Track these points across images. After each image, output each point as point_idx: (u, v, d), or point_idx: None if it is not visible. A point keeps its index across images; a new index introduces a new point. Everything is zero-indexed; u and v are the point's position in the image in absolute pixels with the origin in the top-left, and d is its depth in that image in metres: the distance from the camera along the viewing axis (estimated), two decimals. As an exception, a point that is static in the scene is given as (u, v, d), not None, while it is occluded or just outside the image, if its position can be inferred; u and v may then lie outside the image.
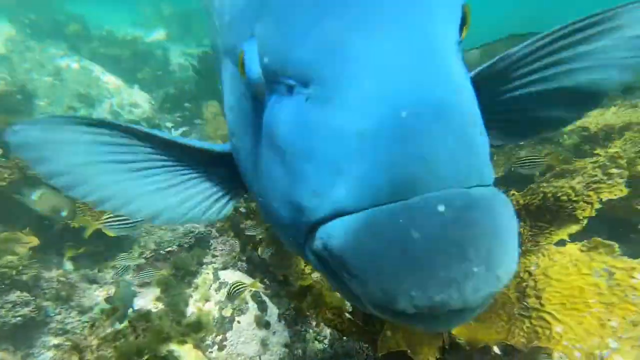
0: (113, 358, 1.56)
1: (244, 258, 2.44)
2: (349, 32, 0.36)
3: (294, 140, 0.39)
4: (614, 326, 0.93)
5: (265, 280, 2.41)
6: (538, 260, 1.21)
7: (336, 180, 0.35)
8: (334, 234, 0.35)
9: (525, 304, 1.09)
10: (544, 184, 1.76)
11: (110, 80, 5.87)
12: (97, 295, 2.56)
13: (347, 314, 1.55)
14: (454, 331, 1.13)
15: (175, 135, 5.58)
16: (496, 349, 1.14)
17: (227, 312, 2.14)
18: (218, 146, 0.75)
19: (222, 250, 2.79)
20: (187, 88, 5.98)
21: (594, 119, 2.85)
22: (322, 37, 0.37)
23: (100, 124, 0.67)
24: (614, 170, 1.55)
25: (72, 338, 2.00)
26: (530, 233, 1.46)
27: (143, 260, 2.74)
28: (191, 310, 2.24)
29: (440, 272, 0.29)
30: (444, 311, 0.30)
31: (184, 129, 5.91)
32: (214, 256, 2.76)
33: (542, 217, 1.44)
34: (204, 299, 2.28)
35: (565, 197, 1.46)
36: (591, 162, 1.72)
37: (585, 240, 1.28)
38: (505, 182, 2.68)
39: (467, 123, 0.35)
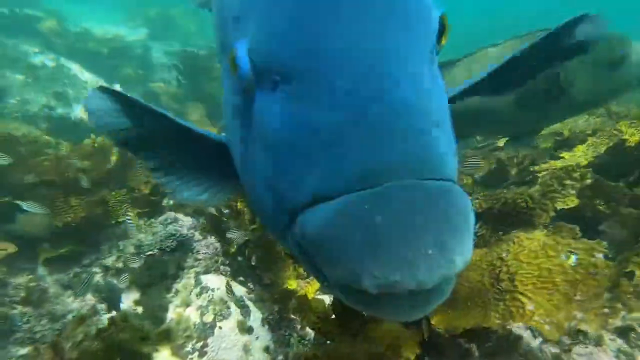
0: (99, 351, 1.49)
1: (227, 261, 2.37)
2: (325, 35, 0.40)
3: (276, 132, 0.43)
4: (578, 299, 1.08)
5: (249, 284, 2.36)
6: (509, 247, 1.27)
7: (311, 171, 0.38)
8: (308, 220, 0.38)
9: (499, 287, 1.16)
10: (505, 190, 1.86)
11: (89, 79, 5.66)
12: (71, 302, 2.44)
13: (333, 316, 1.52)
14: (433, 321, 1.16)
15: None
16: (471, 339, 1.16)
17: (209, 318, 2.07)
18: (214, 135, 0.78)
19: (205, 253, 2.71)
20: (170, 87, 5.84)
21: (567, 125, 2.94)
22: (301, 38, 0.41)
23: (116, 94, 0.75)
24: (568, 182, 1.67)
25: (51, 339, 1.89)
26: (491, 235, 1.53)
27: (121, 265, 2.63)
28: (171, 316, 2.17)
29: (399, 253, 0.32)
30: (402, 290, 0.32)
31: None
32: (196, 260, 2.68)
33: (503, 221, 1.50)
34: (184, 304, 2.20)
35: (523, 204, 1.56)
36: (547, 173, 1.85)
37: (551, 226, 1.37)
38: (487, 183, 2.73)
39: (426, 123, 0.38)
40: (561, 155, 2.37)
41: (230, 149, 0.66)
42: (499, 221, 1.54)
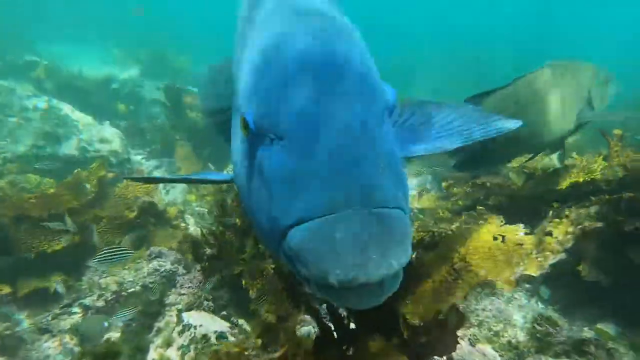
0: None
1: (210, 297, 2.30)
2: (304, 110, 0.59)
3: (272, 174, 0.59)
4: (516, 261, 1.47)
5: (232, 319, 2.27)
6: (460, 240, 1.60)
7: (296, 202, 0.53)
8: (292, 236, 0.52)
9: (454, 269, 1.43)
10: (433, 223, 2.09)
11: (80, 118, 5.72)
12: (49, 347, 2.32)
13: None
14: (408, 316, 1.34)
15: (146, 167, 5.36)
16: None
17: (190, 358, 1.98)
18: (224, 175, 1.09)
19: (189, 287, 2.64)
20: (158, 122, 5.91)
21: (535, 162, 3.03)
22: (288, 113, 0.60)
23: None
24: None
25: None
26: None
27: (102, 303, 2.54)
28: (152, 356, 2.06)
29: (352, 259, 0.46)
30: (358, 284, 0.46)
31: (154, 162, 5.78)
32: (180, 294, 2.60)
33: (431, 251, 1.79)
34: (166, 344, 2.10)
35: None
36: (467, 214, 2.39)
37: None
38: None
39: (376, 169, 0.54)
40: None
41: (236, 183, 0.85)
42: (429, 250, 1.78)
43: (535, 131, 2.03)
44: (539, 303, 2.20)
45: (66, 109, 5.81)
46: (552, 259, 2.11)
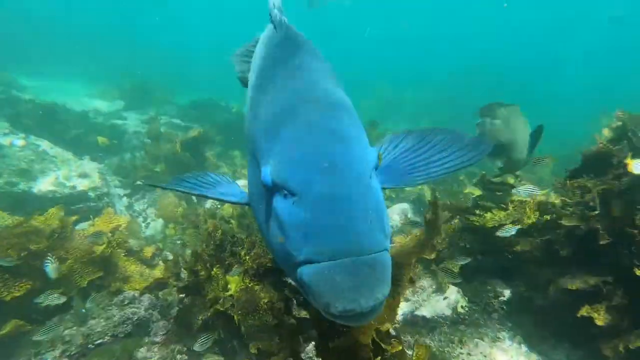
0: None
1: (185, 349, 2.12)
2: (311, 176, 0.73)
3: (286, 221, 0.73)
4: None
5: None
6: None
7: (306, 245, 0.68)
8: (303, 272, 0.66)
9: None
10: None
11: (58, 154, 5.52)
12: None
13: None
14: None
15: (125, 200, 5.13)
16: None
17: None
18: (240, 197, 1.17)
19: (163, 335, 2.44)
20: (138, 155, 5.78)
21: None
22: (298, 175, 0.75)
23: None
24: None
25: None
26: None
27: (67, 360, 2.30)
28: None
29: (349, 296, 0.61)
30: (354, 314, 0.61)
31: (136, 195, 5.58)
32: (153, 344, 2.40)
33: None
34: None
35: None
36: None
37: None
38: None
39: (366, 222, 0.68)
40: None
41: (253, 211, 1.01)
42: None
43: (516, 149, 2.47)
44: (522, 345, 2.13)
45: (44, 145, 5.61)
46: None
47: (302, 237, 0.68)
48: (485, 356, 1.99)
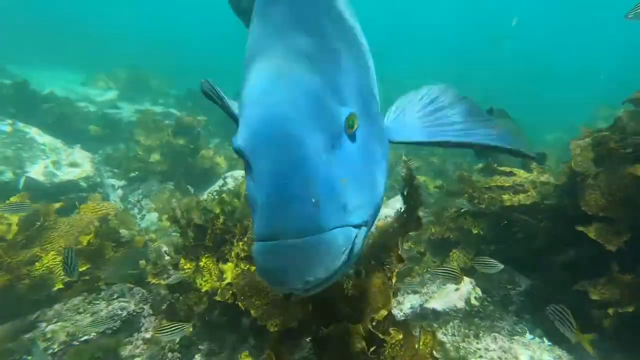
0: None
1: (176, 347, 1.90)
2: (257, 145, 0.66)
3: (247, 194, 0.73)
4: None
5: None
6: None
7: (254, 222, 0.66)
8: (253, 247, 0.66)
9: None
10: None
11: (47, 141, 5.23)
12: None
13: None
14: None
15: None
16: None
17: None
18: None
19: (153, 331, 2.22)
20: (132, 145, 5.52)
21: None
22: (247, 144, 0.68)
23: None
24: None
25: None
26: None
27: (49, 359, 2.07)
28: None
29: (279, 275, 0.61)
30: (286, 290, 0.63)
31: (131, 187, 5.32)
32: (143, 341, 2.18)
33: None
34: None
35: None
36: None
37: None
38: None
39: (307, 204, 0.60)
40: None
41: None
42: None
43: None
44: (544, 339, 1.94)
45: (33, 132, 5.30)
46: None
47: (253, 212, 0.66)
48: (504, 351, 1.79)
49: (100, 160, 5.61)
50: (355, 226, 0.65)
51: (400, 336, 1.13)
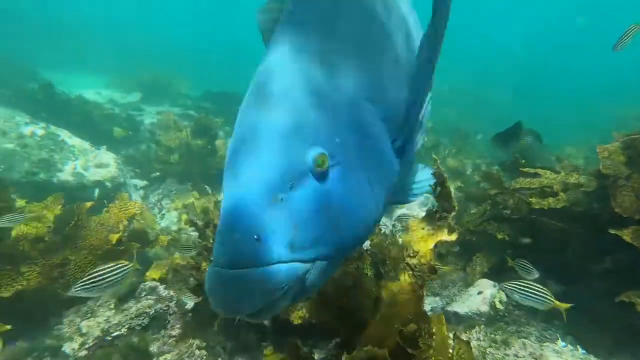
0: None
1: (204, 345, 1.95)
2: (226, 174, 0.72)
3: None
4: None
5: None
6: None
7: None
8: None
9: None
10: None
11: (77, 143, 5.45)
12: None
13: None
14: None
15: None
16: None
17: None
18: None
19: (180, 329, 2.29)
20: (153, 146, 5.68)
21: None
22: (225, 168, 0.73)
23: None
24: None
25: None
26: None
27: (85, 352, 2.18)
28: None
29: (219, 302, 0.63)
30: (230, 316, 0.65)
31: (150, 186, 5.48)
32: (170, 337, 2.25)
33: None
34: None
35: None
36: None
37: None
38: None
39: (250, 241, 0.62)
40: None
41: None
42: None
43: None
44: (578, 347, 1.87)
45: (63, 135, 5.54)
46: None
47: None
48: (535, 358, 1.74)
49: (123, 161, 5.80)
50: (308, 261, 0.65)
51: (431, 351, 1.08)
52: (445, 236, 1.13)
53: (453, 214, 1.13)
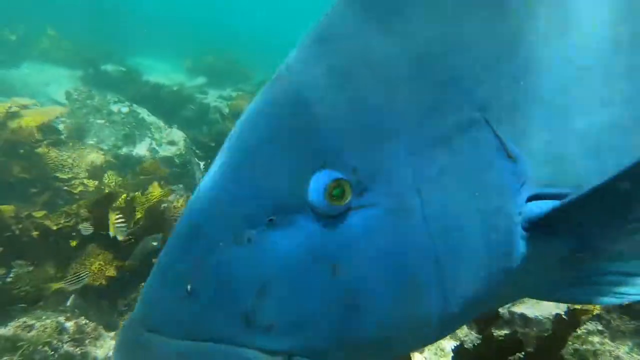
0: None
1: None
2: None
3: None
4: None
5: None
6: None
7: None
8: None
9: None
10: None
11: (153, 121, 6.08)
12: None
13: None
14: None
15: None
16: None
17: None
18: None
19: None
20: (215, 129, 6.10)
21: None
22: None
23: None
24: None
25: None
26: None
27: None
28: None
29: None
30: None
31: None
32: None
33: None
34: None
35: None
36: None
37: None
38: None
39: (173, 302, 0.48)
40: None
41: None
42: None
43: None
44: None
45: (143, 113, 6.24)
46: None
47: None
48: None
49: (189, 141, 6.36)
50: (277, 353, 0.41)
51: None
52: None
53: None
